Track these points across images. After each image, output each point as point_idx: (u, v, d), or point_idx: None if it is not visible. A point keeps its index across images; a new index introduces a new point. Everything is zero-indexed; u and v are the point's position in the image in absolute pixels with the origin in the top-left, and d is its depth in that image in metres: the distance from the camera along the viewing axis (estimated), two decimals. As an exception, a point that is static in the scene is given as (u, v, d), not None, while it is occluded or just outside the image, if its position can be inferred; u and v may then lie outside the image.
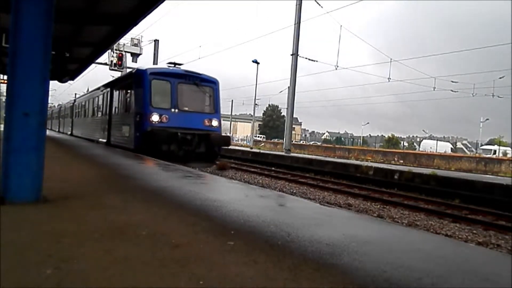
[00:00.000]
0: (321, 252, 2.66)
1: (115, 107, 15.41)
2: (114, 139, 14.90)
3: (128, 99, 13.66)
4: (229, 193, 5.60)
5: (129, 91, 13.54)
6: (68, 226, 2.96)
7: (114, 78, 17.01)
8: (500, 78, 35.32)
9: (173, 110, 12.30)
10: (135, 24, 9.53)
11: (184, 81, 12.80)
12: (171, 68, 13.56)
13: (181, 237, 2.82)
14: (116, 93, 15.48)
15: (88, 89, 33.20)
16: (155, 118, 11.77)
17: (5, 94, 4.42)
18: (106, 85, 17.62)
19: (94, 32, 10.87)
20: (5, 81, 16.50)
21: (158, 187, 5.36)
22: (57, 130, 35.61)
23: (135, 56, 28.29)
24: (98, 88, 19.17)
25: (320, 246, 2.80)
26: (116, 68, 25.68)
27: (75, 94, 46.79)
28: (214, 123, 13.25)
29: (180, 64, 14.05)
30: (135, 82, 12.82)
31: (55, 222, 3.07)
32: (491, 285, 2.31)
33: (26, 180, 3.63)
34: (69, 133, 26.67)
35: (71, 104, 27.82)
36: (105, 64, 25.52)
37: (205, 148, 12.49)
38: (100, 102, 17.99)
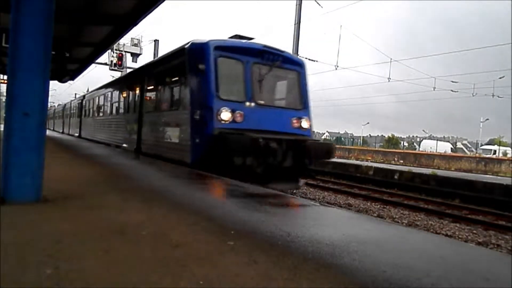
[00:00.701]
0: (321, 252, 2.66)
1: (152, 101, 11.47)
2: (150, 145, 10.84)
3: (178, 88, 9.46)
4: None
5: (178, 76, 9.40)
6: (68, 226, 2.96)
7: (148, 62, 12.36)
8: (500, 78, 35.37)
9: (248, 103, 8.26)
10: (135, 24, 9.53)
11: (261, 61, 8.67)
12: (242, 41, 9.33)
13: (181, 237, 2.82)
14: (152, 82, 11.43)
15: (88, 89, 32.69)
16: (225, 115, 7.82)
17: (5, 94, 4.43)
18: (134, 73, 14.03)
19: (94, 32, 10.87)
20: (5, 81, 16.50)
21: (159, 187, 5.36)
22: (61, 131, 31.84)
23: (135, 56, 28.31)
24: (121, 79, 15.80)
25: (320, 246, 2.80)
26: (116, 68, 25.67)
27: (75, 94, 46.32)
28: (305, 124, 9.06)
29: (250, 39, 9.77)
30: (190, 61, 8.57)
31: (55, 222, 3.07)
32: (491, 285, 2.31)
33: (26, 180, 3.63)
34: (77, 134, 23.33)
35: (80, 101, 23.93)
36: (105, 64, 25.51)
37: (293, 161, 8.30)
38: (125, 96, 14.01)
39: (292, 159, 8.28)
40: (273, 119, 8.59)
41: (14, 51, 3.65)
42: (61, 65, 16.04)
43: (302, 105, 9.32)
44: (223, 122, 7.84)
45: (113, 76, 26.61)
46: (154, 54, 27.83)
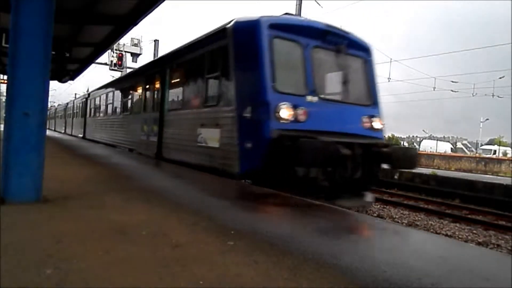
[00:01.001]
0: (321, 252, 2.66)
1: (178, 97, 9.62)
2: (174, 150, 9.16)
3: (216, 79, 7.69)
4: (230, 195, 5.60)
5: (217, 64, 7.61)
6: (68, 226, 2.96)
7: (172, 50, 10.24)
8: (500, 78, 35.44)
9: (309, 98, 6.58)
10: (135, 24, 9.53)
11: (323, 45, 7.00)
12: (300, 19, 7.73)
13: (181, 237, 2.82)
14: (177, 74, 9.70)
15: (88, 89, 32.57)
16: (285, 113, 6.17)
17: (5, 94, 4.43)
18: (151, 65, 12.02)
19: (94, 32, 10.86)
20: (5, 81, 16.49)
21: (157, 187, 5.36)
22: (62, 131, 30.57)
23: (135, 56, 28.32)
24: (135, 73, 14.00)
25: (320, 246, 2.80)
26: (116, 68, 25.66)
27: (75, 94, 46.20)
28: (377, 124, 7.34)
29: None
30: (236, 44, 6.94)
31: (55, 222, 3.07)
32: (491, 285, 2.31)
33: (26, 180, 3.64)
34: (81, 135, 22.02)
35: (84, 99, 22.45)
36: (105, 64, 25.51)
37: (362, 171, 6.61)
38: (139, 93, 12.42)
39: (361, 169, 6.58)
40: (340, 118, 6.86)
41: (14, 51, 3.65)
42: (61, 65, 16.03)
43: (371, 100, 7.56)
44: (282, 121, 6.15)
45: (113, 76, 26.59)
46: (154, 55, 27.84)
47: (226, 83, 7.18)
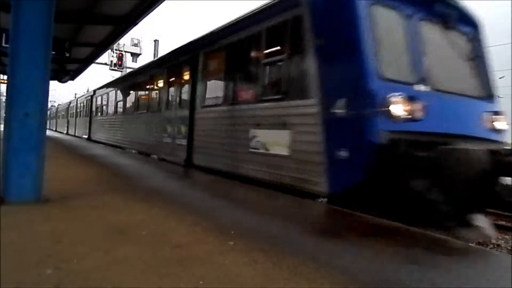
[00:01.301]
0: (320, 252, 2.66)
1: (216, 90, 7.72)
2: (212, 157, 7.30)
3: (285, 64, 5.80)
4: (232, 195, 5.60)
5: (285, 43, 5.81)
6: (68, 226, 2.96)
7: (210, 31, 8.22)
8: (500, 78, 35.47)
9: (419, 87, 4.88)
10: (135, 24, 9.53)
11: (429, 16, 5.36)
12: None
13: (181, 237, 2.82)
14: (216, 60, 7.82)
15: (88, 89, 32.43)
16: (398, 108, 4.40)
17: (5, 94, 4.43)
18: (179, 52, 9.63)
19: (94, 32, 10.86)
20: (5, 81, 16.49)
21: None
22: (65, 132, 29.40)
23: (135, 56, 28.31)
24: (153, 64, 12.18)
25: (319, 246, 2.80)
26: (116, 68, 25.66)
27: (75, 94, 46.11)
28: (500, 123, 5.62)
29: None
30: (318, 14, 5.24)
31: (55, 222, 3.07)
32: (491, 285, 2.31)
33: (26, 180, 3.64)
34: (85, 136, 20.62)
35: (89, 97, 21.10)
36: (105, 64, 25.50)
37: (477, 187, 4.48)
38: (160, 87, 10.64)
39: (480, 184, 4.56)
40: (459, 115, 5.13)
41: (14, 51, 3.65)
42: (61, 65, 16.07)
43: (489, 91, 5.82)
44: (394, 120, 4.39)
45: (113, 76, 26.57)
46: (154, 55, 27.84)
47: (299, 68, 5.46)
